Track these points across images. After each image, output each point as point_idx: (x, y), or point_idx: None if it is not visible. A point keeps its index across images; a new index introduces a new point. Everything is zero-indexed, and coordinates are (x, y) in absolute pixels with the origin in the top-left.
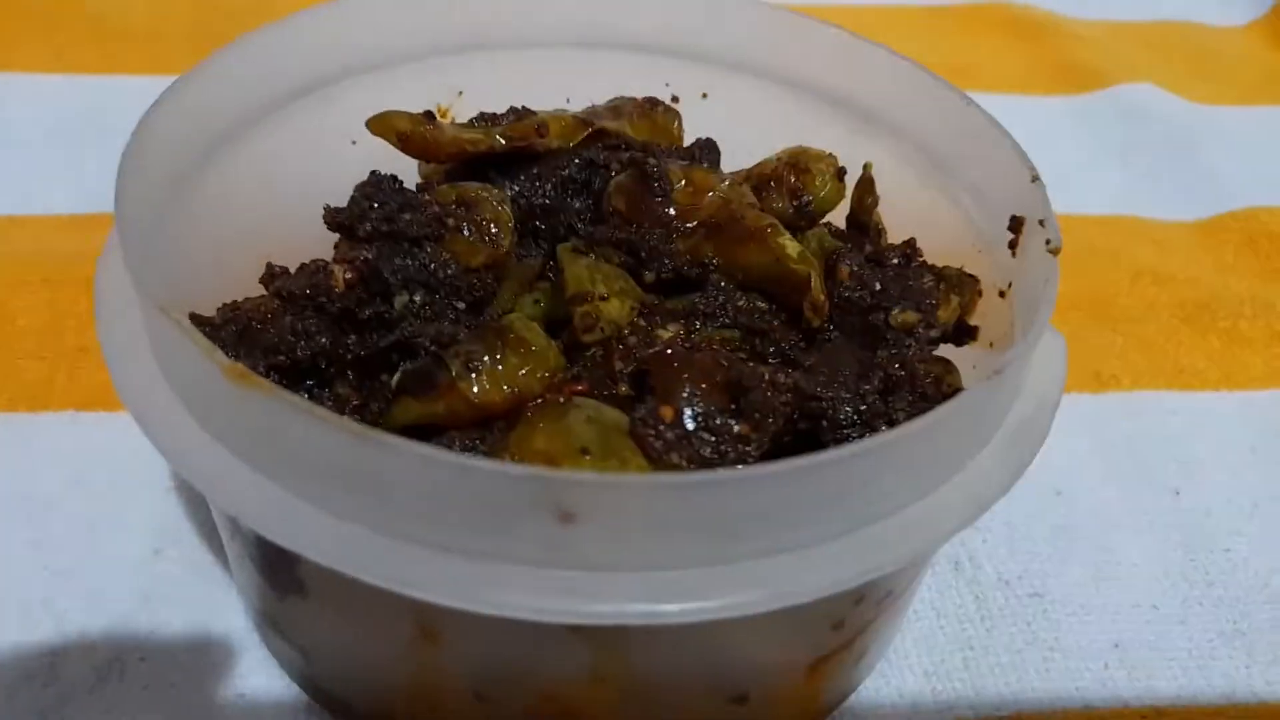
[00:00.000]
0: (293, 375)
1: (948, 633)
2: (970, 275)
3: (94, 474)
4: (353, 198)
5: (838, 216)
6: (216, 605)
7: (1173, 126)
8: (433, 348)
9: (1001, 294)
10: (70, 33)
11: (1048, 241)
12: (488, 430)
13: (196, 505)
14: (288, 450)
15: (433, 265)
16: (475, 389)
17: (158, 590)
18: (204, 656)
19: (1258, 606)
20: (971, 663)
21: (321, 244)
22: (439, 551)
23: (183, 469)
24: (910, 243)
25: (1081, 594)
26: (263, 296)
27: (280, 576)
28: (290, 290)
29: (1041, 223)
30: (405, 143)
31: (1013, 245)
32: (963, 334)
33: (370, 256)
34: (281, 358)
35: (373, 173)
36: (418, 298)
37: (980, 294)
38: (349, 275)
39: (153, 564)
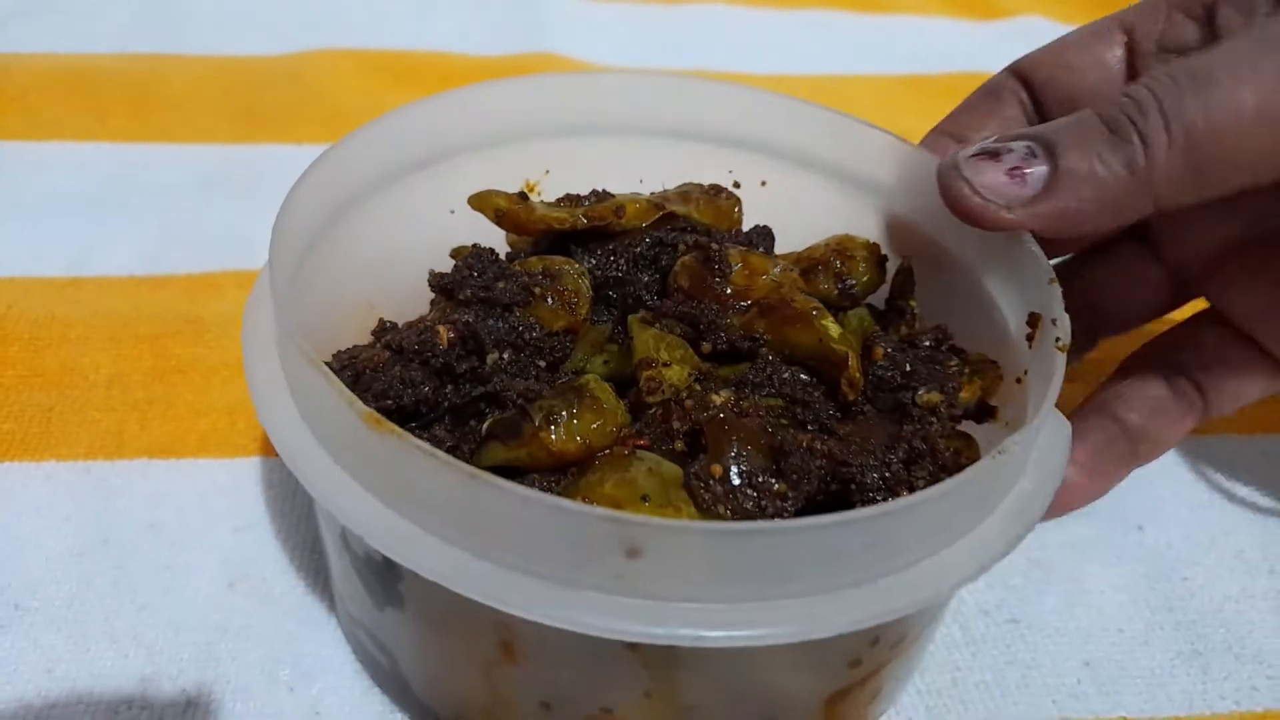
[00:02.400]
0: (397, 418)
1: (937, 658)
2: (992, 361)
3: (167, 516)
4: (455, 266)
5: (878, 300)
6: (289, 634)
7: None
8: (520, 401)
9: (1018, 380)
10: (113, 102)
11: (1057, 339)
12: (562, 474)
13: (263, 543)
14: (410, 485)
15: (520, 328)
16: (554, 438)
17: (234, 621)
18: (282, 681)
19: (1212, 630)
20: (959, 681)
21: (416, 297)
22: (528, 575)
23: (319, 497)
24: (941, 328)
25: (1055, 619)
26: (374, 347)
27: (382, 591)
28: (400, 344)
29: (1054, 321)
30: (501, 218)
31: (1029, 338)
32: (983, 413)
33: (470, 320)
34: (389, 402)
35: (475, 245)
36: (506, 355)
37: (1000, 378)
38: (451, 335)
39: (228, 598)
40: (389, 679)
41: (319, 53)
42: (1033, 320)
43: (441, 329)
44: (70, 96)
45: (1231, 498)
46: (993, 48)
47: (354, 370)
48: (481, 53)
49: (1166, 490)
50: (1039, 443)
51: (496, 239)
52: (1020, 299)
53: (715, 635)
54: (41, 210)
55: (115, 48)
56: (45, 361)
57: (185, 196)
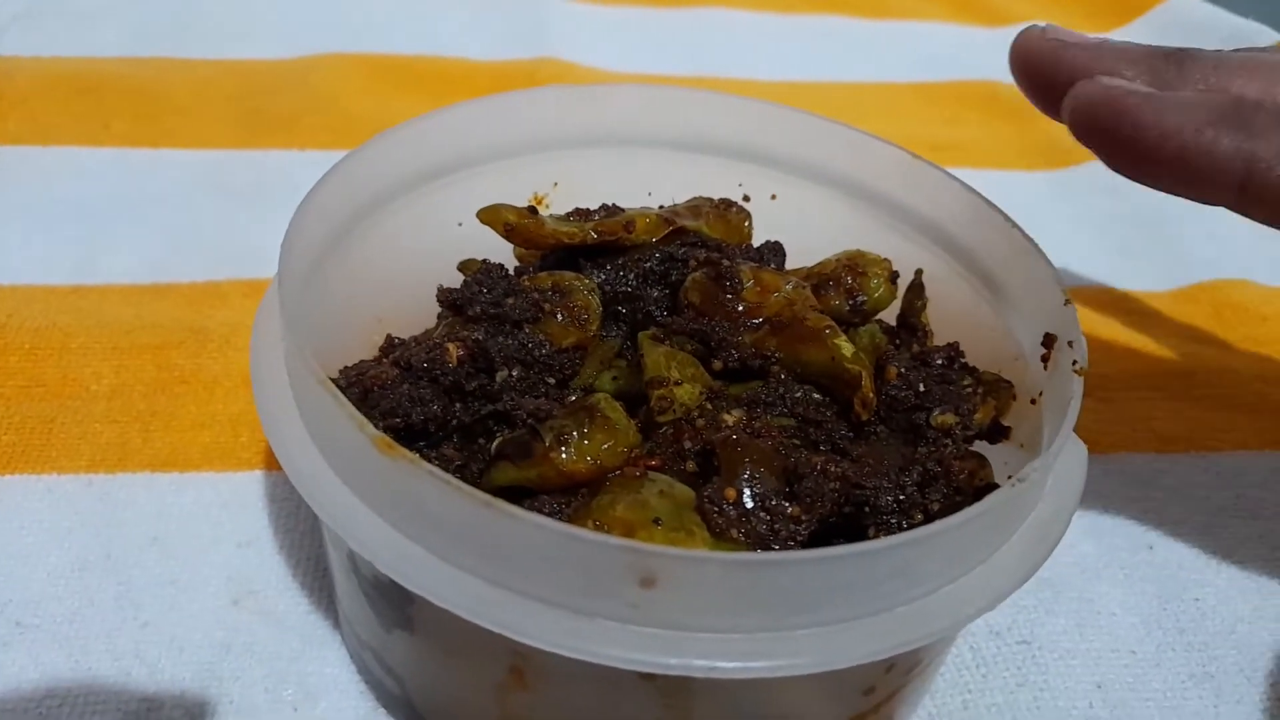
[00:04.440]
0: (405, 436)
1: (948, 679)
2: (1006, 381)
3: (170, 531)
4: (465, 282)
5: (889, 315)
6: (293, 653)
7: (1142, 201)
8: (530, 421)
9: (1033, 401)
10: (117, 107)
11: (1074, 362)
12: (572, 495)
13: (267, 559)
14: (423, 511)
15: (530, 345)
16: (565, 459)
17: (238, 640)
18: (286, 700)
19: (1224, 652)
20: (970, 704)
21: (422, 309)
22: (541, 604)
23: (330, 521)
24: (954, 345)
25: (1066, 641)
26: (382, 364)
27: (391, 614)
28: (409, 361)
29: (1071, 344)
30: (510, 232)
31: (1045, 359)
32: (996, 433)
33: (480, 337)
34: (398, 421)
35: (484, 261)
36: (515, 373)
37: (1014, 398)
38: (461, 353)
39: (232, 615)
40: (396, 701)
41: (324, 57)
42: (1048, 341)
43: (451, 347)
44: (74, 101)
45: (1242, 515)
46: (997, 54)
47: (362, 387)
48: (486, 57)
49: (1177, 509)
50: (1055, 468)
51: (502, 251)
52: (1034, 319)
53: (731, 666)
54: (44, 216)
55: (120, 52)
56: (46, 372)
57: (189, 202)
